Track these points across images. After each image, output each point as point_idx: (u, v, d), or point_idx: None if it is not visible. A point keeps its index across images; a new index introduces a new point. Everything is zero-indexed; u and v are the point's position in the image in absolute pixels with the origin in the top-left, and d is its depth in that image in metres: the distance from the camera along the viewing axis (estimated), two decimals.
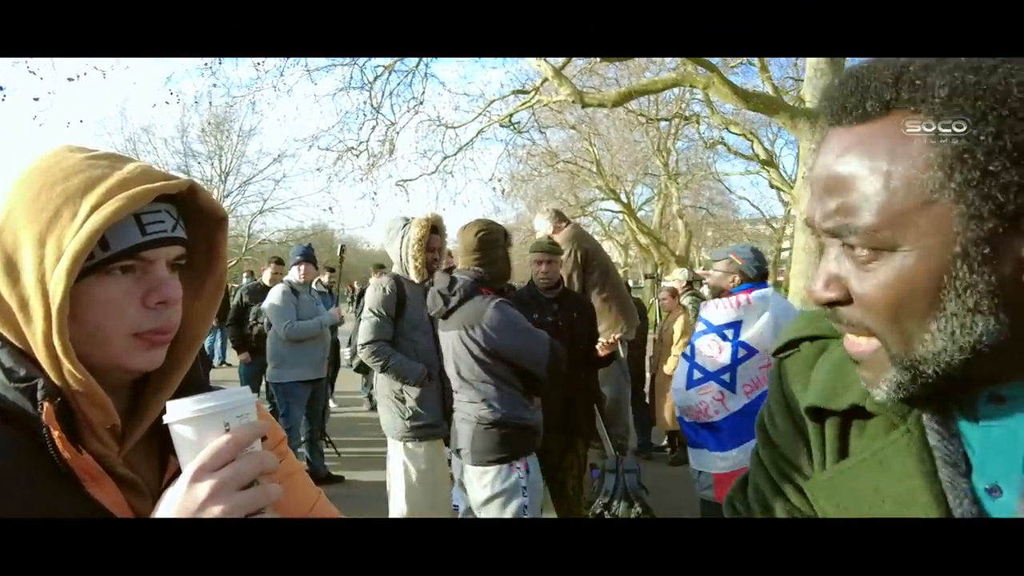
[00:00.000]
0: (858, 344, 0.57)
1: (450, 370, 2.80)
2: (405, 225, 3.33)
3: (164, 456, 0.77)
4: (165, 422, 0.67)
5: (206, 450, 0.65)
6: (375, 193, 13.33)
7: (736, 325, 2.82)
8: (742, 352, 2.78)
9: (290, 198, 28.22)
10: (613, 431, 4.82)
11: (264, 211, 27.55)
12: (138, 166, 0.74)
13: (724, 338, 2.82)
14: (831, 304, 0.57)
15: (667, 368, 5.76)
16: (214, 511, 0.63)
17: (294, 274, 5.19)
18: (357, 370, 3.74)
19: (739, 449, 2.78)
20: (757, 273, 2.97)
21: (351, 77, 11.10)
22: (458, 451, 2.79)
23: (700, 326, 2.98)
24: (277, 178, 27.05)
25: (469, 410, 2.71)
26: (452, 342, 2.73)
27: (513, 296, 3.45)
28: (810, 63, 8.87)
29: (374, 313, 3.21)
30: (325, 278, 8.06)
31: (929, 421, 0.58)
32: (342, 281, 8.30)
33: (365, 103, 11.46)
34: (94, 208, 0.67)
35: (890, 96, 0.51)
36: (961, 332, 0.51)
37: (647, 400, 6.47)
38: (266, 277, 5.98)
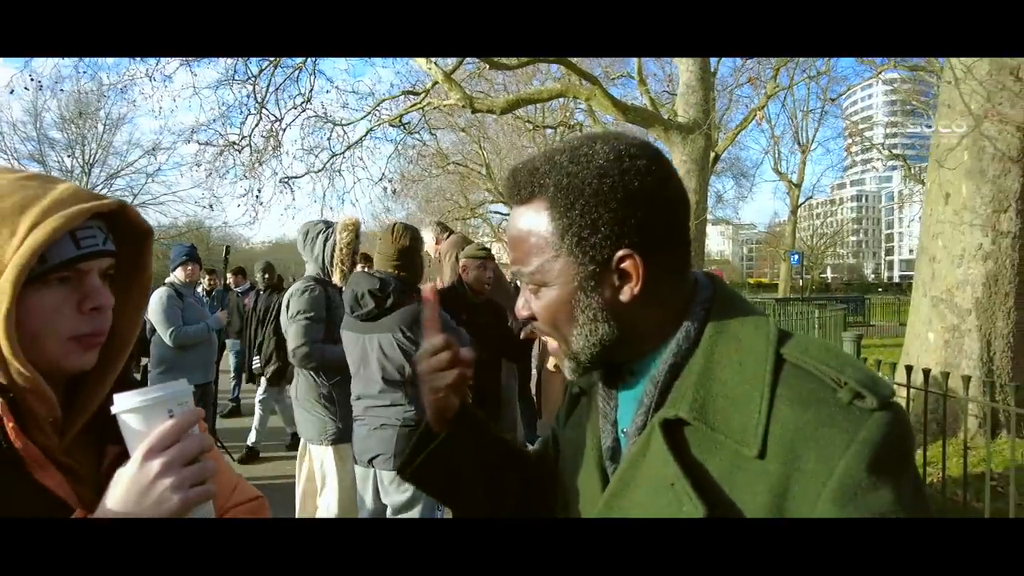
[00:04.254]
0: (550, 342, 0.84)
1: (371, 371, 2.72)
2: (327, 228, 3.33)
3: (100, 447, 0.85)
4: (113, 412, 0.76)
5: (154, 433, 0.74)
6: (259, 190, 12.79)
7: None
8: None
9: (163, 193, 26.42)
10: (501, 425, 5.07)
11: (135, 206, 25.70)
12: (67, 187, 0.83)
13: None
14: (528, 319, 0.83)
15: (550, 364, 6.09)
16: (165, 483, 0.73)
17: (179, 275, 4.87)
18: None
19: None
20: None
21: (234, 70, 10.67)
22: (370, 460, 2.73)
23: None
24: (150, 171, 25.39)
25: (391, 413, 2.67)
26: (380, 343, 2.69)
27: (441, 296, 3.53)
28: (683, 80, 9.59)
29: (303, 316, 3.17)
30: (205, 281, 7.76)
31: (600, 390, 0.87)
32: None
33: (249, 97, 11.04)
34: (32, 226, 0.75)
35: (530, 189, 0.77)
36: (590, 334, 0.78)
37: (533, 394, 6.80)
38: None
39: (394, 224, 2.97)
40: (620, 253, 0.74)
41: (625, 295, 0.75)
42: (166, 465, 0.73)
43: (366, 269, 3.15)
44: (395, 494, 2.70)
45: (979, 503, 3.67)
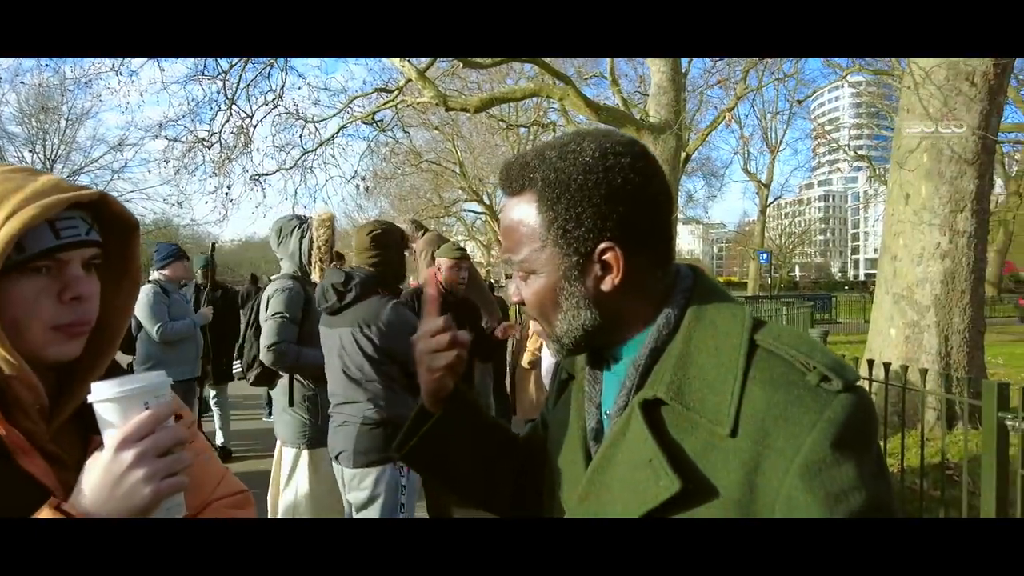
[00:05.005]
0: (535, 325, 0.89)
1: (335, 366, 2.71)
2: (302, 225, 3.26)
3: (86, 435, 0.85)
4: (90, 401, 0.76)
5: (129, 424, 0.74)
6: (229, 188, 12.60)
7: None
8: None
9: (130, 190, 25.80)
10: None
11: None
12: (50, 179, 0.84)
13: None
14: (519, 304, 0.87)
15: (524, 362, 6.15)
16: (137, 473, 0.73)
17: (168, 273, 4.92)
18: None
19: None
20: None
21: (204, 65, 10.52)
22: (337, 456, 2.72)
23: None
24: (115, 168, 24.85)
25: (352, 411, 2.66)
26: (341, 339, 2.67)
27: (415, 295, 3.44)
28: (654, 81, 9.72)
29: (279, 316, 3.10)
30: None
31: (586, 375, 0.92)
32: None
33: (219, 93, 10.89)
34: (9, 216, 0.75)
35: (521, 182, 0.82)
36: (573, 320, 0.83)
37: (508, 391, 6.86)
38: None
39: (371, 221, 2.95)
40: (602, 246, 0.78)
41: (607, 285, 0.80)
42: (139, 456, 0.74)
43: (338, 266, 3.13)
44: (355, 491, 2.68)
45: (936, 491, 3.81)
